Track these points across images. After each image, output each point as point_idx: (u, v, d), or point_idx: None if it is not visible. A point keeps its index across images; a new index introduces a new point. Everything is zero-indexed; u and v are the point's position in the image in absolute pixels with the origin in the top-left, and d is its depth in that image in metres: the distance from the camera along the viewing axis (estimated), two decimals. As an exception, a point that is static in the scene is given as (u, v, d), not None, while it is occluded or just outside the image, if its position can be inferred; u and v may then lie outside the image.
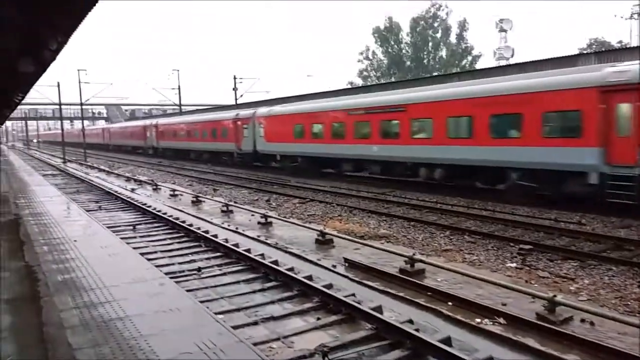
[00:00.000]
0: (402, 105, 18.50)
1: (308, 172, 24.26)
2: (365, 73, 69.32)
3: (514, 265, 8.87)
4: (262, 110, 28.80)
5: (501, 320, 6.04)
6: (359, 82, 67.39)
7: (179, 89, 51.03)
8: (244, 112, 30.71)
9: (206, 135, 35.61)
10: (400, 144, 18.62)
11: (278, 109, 27.46)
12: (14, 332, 4.67)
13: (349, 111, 21.32)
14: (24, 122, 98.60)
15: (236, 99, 45.04)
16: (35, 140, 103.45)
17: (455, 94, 16.84)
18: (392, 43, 66.57)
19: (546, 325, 5.74)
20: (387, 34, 66.40)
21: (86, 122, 79.73)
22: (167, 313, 5.06)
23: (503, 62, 56.18)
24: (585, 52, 37.06)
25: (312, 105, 25.09)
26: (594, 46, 50.29)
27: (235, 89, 44.84)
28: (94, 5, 9.12)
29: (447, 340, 5.29)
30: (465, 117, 16.22)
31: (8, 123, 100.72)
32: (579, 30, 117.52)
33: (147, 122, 50.24)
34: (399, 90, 20.90)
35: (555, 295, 6.04)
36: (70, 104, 71.97)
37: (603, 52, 21.97)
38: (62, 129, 49.81)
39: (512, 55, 64.56)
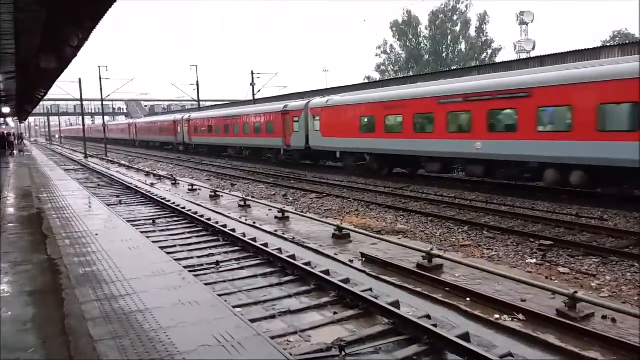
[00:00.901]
0: (525, 90, 14.59)
1: (373, 172, 21.15)
2: (382, 67, 69.04)
3: (534, 261, 8.75)
4: (318, 101, 25.09)
5: (520, 316, 5.97)
6: (377, 76, 67.10)
7: (197, 84, 51.31)
8: (295, 104, 27.51)
9: (248, 130, 32.03)
10: (521, 138, 14.70)
11: (339, 98, 23.74)
12: (37, 323, 4.77)
13: (439, 99, 17.41)
14: (46, 117, 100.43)
15: (254, 94, 45.14)
16: (57, 136, 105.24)
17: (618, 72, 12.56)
18: (411, 37, 66.06)
19: (567, 322, 5.66)
20: (405, 28, 65.90)
21: (109, 117, 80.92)
22: (186, 306, 5.11)
23: (524, 56, 55.32)
24: (608, 44, 36.27)
25: (386, 94, 20.99)
26: (617, 39, 49.22)
27: (253, 84, 44.94)
28: (114, 2, 9.24)
29: (466, 336, 5.25)
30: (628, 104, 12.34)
31: (31, 119, 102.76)
32: (602, 23, 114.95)
33: (178, 116, 47.15)
34: (516, 72, 17.17)
35: (576, 292, 5.94)
36: (91, 100, 73.10)
37: (627, 45, 21.50)
38: (84, 125, 50.51)
39: (533, 49, 63.59)
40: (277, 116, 28.38)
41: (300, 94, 37.96)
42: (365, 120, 21.39)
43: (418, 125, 18.60)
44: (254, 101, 42.47)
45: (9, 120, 51.82)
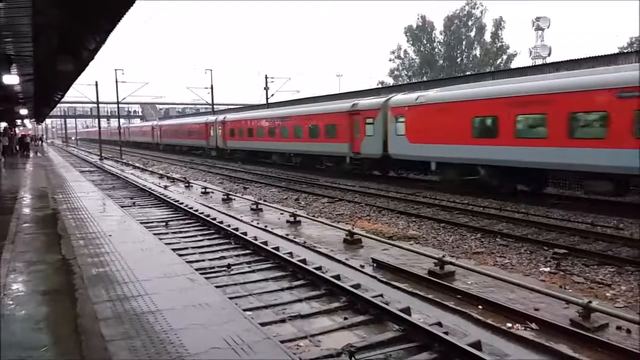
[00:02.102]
0: None
1: (489, 190, 16.45)
2: (396, 72, 68.99)
3: (547, 269, 8.65)
4: (403, 98, 20.36)
5: (533, 325, 5.90)
6: (390, 81, 67.03)
7: (211, 88, 51.67)
8: (368, 102, 22.61)
9: (300, 134, 27.27)
10: None
11: (436, 94, 18.78)
12: (49, 322, 4.82)
13: (620, 92, 12.41)
14: (62, 119, 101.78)
15: (267, 99, 45.33)
16: (73, 138, 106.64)
17: None
18: (425, 42, 65.96)
19: (580, 332, 5.57)
20: (419, 33, 65.82)
21: (124, 120, 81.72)
22: (197, 308, 5.12)
23: (539, 61, 54.87)
24: (625, 50, 35.85)
25: (517, 86, 15.71)
26: (634, 45, 48.61)
27: (266, 88, 45.16)
28: (131, 5, 9.37)
29: (477, 344, 5.19)
30: None
31: (48, 121, 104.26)
32: (618, 29, 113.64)
33: (211, 117, 42.26)
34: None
35: (590, 301, 5.86)
36: (107, 102, 73.88)
37: (644, 51, 21.18)
38: (100, 127, 51.14)
39: (549, 54, 62.97)
40: (343, 117, 23.45)
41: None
42: (482, 121, 16.57)
43: (578, 129, 13.72)
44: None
45: (27, 121, 52.63)
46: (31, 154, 41.13)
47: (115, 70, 42.57)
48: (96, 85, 43.01)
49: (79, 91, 46.92)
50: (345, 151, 23.39)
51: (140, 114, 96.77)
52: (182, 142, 49.58)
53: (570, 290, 7.47)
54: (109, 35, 11.72)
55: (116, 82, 42.47)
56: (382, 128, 20.89)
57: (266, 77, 45.13)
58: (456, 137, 17.10)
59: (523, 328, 5.86)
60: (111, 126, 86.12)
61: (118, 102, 45.73)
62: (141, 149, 62.00)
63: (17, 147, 40.61)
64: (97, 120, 56.90)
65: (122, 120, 71.61)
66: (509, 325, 5.92)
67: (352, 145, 22.88)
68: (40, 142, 67.69)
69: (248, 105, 61.03)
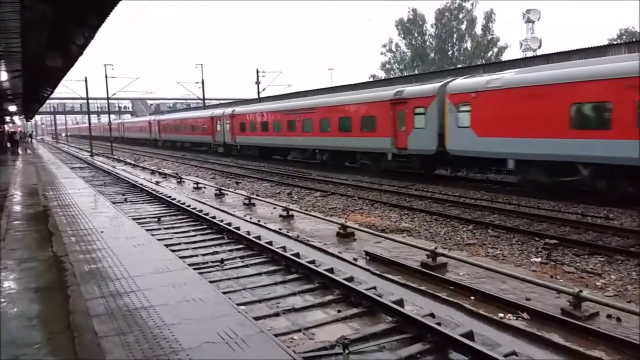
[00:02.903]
0: None
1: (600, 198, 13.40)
2: (388, 66, 68.99)
3: (538, 260, 8.73)
4: (468, 82, 17.10)
5: (525, 315, 5.95)
6: (382, 74, 67.04)
7: (202, 83, 51.45)
8: (418, 89, 19.28)
9: (328, 127, 24.16)
10: None
11: (516, 77, 15.32)
12: (42, 320, 4.80)
13: None
14: (52, 116, 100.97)
15: (259, 93, 45.18)
16: (63, 134, 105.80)
17: None
18: (416, 35, 65.97)
19: (571, 320, 5.63)
20: (410, 26, 65.81)
21: (114, 116, 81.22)
22: (190, 303, 5.13)
23: (530, 54, 55.07)
24: (615, 42, 36.06)
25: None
26: (624, 37, 48.91)
27: (257, 82, 44.99)
28: (119, 0, 9.27)
29: (470, 335, 5.24)
30: None
31: (37, 117, 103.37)
32: (608, 21, 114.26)
33: (218, 111, 39.07)
34: None
35: (581, 291, 5.92)
36: (97, 98, 73.34)
37: (633, 43, 21.36)
38: (90, 123, 50.76)
39: (539, 47, 63.22)
40: (383, 107, 20.25)
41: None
42: (589, 108, 13.55)
43: None
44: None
45: (16, 118, 52.16)
46: (20, 151, 40.79)
47: (105, 65, 42.20)
48: (85, 81, 42.65)
49: (69, 87, 46.79)
50: (386, 147, 20.19)
51: (130, 109, 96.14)
52: (184, 138, 46.15)
53: (561, 280, 7.55)
54: (98, 31, 11.61)
55: (106, 77, 42.15)
56: (437, 119, 17.70)
57: (257, 72, 44.97)
58: (547, 128, 14.05)
59: (515, 318, 5.91)
60: (103, 122, 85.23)
61: (108, 98, 45.36)
62: (137, 146, 59.80)
63: (9, 144, 40.25)
64: (87, 116, 56.25)
65: (112, 116, 71.00)
66: (501, 315, 5.97)
67: (395, 140, 19.72)
68: (29, 139, 67.11)
69: (240, 99, 60.70)
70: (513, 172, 16.47)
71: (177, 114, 57.81)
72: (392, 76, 59.53)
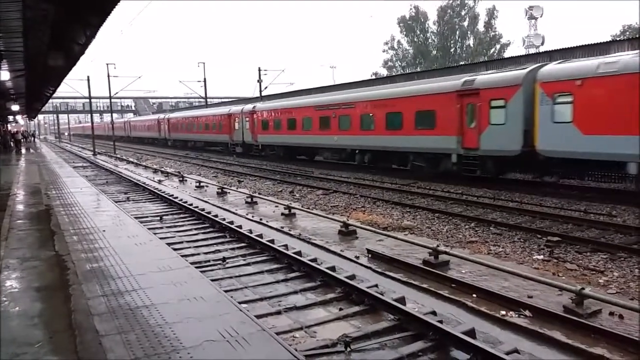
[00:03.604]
0: None
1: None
2: (390, 63, 68.83)
3: (541, 257, 8.71)
4: (569, 67, 14.15)
5: (527, 312, 5.94)
6: (384, 72, 66.91)
7: (204, 81, 51.45)
8: (495, 76, 16.19)
9: (371, 125, 21.04)
10: None
11: (635, 60, 12.44)
12: (44, 318, 4.82)
13: None
14: (55, 115, 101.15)
15: (261, 91, 45.17)
16: (66, 134, 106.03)
17: None
18: (418, 32, 65.82)
19: (573, 318, 5.62)
20: (412, 24, 65.64)
21: (117, 115, 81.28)
22: (192, 301, 5.13)
23: (532, 50, 54.88)
24: (618, 39, 35.92)
25: None
26: (627, 33, 48.68)
27: (259, 80, 44.98)
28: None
29: (471, 332, 5.23)
30: None
31: (40, 116, 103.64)
32: (611, 17, 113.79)
33: (236, 108, 35.81)
34: None
35: (583, 288, 5.90)
36: (99, 97, 73.34)
37: (637, 39, 21.25)
38: (92, 122, 50.83)
39: (542, 43, 62.99)
40: (447, 100, 17.25)
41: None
42: None
43: None
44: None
45: (18, 117, 52.31)
46: (23, 150, 40.90)
47: (107, 64, 42.24)
48: (88, 80, 42.69)
49: (71, 86, 46.87)
50: (449, 146, 17.24)
51: (133, 108, 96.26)
52: (197, 137, 42.88)
53: (563, 277, 7.52)
54: (99, 30, 11.62)
55: (108, 76, 42.18)
56: (523, 113, 14.81)
57: (259, 70, 44.96)
58: None
59: (517, 315, 5.90)
60: (106, 121, 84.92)
61: (110, 97, 45.42)
62: (144, 145, 57.79)
63: (12, 144, 40.37)
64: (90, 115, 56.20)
65: (115, 115, 70.81)
66: (503, 312, 5.95)
67: (463, 139, 16.76)
68: (32, 139, 67.27)
69: (243, 98, 60.69)
70: (631, 177, 13.66)
71: (189, 111, 53.78)
72: (394, 73, 59.41)
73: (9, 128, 48.12)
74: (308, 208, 13.74)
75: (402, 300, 6.22)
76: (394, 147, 20.11)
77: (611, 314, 5.86)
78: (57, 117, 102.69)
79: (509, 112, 15.25)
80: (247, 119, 32.86)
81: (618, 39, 35.25)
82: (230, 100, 64.83)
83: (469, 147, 16.66)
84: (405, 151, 19.65)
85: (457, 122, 16.89)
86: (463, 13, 63.63)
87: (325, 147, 25.08)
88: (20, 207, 11.67)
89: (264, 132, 30.90)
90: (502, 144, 15.46)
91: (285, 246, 9.02)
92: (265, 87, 45.73)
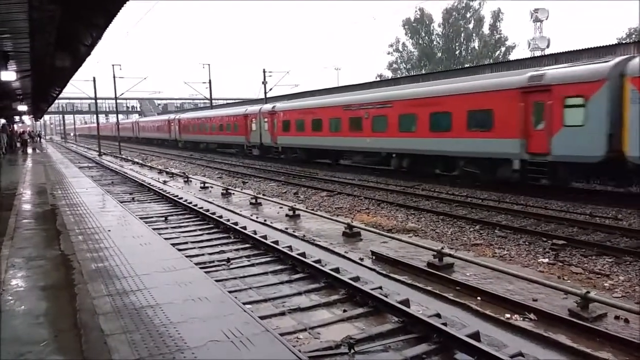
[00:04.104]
0: None
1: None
2: (395, 65, 68.82)
3: (546, 260, 8.67)
4: None
5: (532, 316, 5.92)
6: (389, 74, 66.89)
7: (209, 82, 51.57)
8: (569, 71, 14.14)
9: (412, 126, 18.95)
10: None
11: None
12: (49, 317, 4.83)
13: None
14: (61, 115, 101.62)
15: (265, 93, 45.23)
16: (72, 134, 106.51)
17: None
18: (423, 34, 65.80)
19: (579, 322, 5.59)
20: (417, 26, 65.63)
21: (122, 116, 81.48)
22: (196, 302, 5.14)
23: (538, 53, 54.73)
24: (624, 42, 35.78)
25: None
26: (633, 36, 48.48)
27: (264, 82, 45.03)
28: (126, 1, 9.32)
29: (476, 335, 5.21)
30: None
31: (46, 117, 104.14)
32: (617, 20, 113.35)
33: (252, 108, 34.07)
34: None
35: (588, 292, 5.87)
36: (105, 98, 73.63)
37: (643, 42, 21.17)
38: (98, 123, 51.04)
39: (547, 46, 62.80)
40: (507, 98, 15.26)
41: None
42: None
43: None
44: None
45: (25, 118, 52.57)
46: (30, 150, 41.10)
47: (113, 65, 42.41)
48: (94, 81, 42.90)
49: (77, 87, 47.11)
50: (510, 151, 15.24)
51: (138, 109, 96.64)
52: (211, 139, 41.06)
53: (568, 281, 7.49)
54: (105, 31, 11.67)
55: (114, 77, 42.37)
56: (608, 112, 12.93)
57: (264, 71, 45.01)
58: None
59: (522, 319, 5.88)
60: (113, 121, 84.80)
61: (116, 98, 45.60)
62: (153, 147, 56.07)
63: (18, 144, 40.57)
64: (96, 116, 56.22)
65: (121, 116, 70.80)
66: (508, 316, 5.94)
67: (528, 142, 14.76)
68: (38, 139, 67.60)
69: (247, 99, 60.74)
70: None
71: (201, 111, 51.57)
72: (398, 75, 59.34)
73: (16, 128, 48.32)
74: (312, 209, 13.75)
75: (406, 302, 6.21)
76: (440, 151, 17.89)
77: (617, 317, 5.83)
78: (63, 117, 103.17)
79: (590, 111, 13.26)
80: (266, 119, 30.79)
81: (624, 41, 35.12)
82: (235, 101, 64.89)
83: (536, 152, 14.58)
84: (454, 156, 17.47)
85: (520, 123, 14.90)
86: (468, 15, 63.59)
87: (355, 150, 22.91)
88: (26, 206, 11.72)
89: (284, 134, 28.79)
90: (580, 149, 13.41)
91: (290, 247, 9.02)
92: (270, 89, 45.79)
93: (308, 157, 27.59)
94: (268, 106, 31.50)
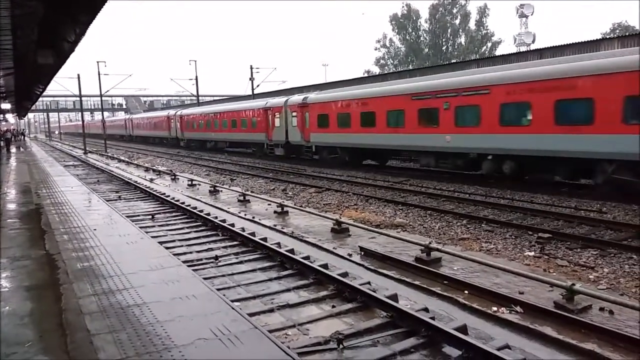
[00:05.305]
0: None
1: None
2: (382, 61, 68.99)
3: (532, 253, 8.76)
4: None
5: (518, 308, 5.97)
6: (376, 70, 67.01)
7: (196, 79, 51.22)
8: None
9: (520, 117, 14.83)
10: None
11: None
12: (34, 318, 4.78)
13: None
14: (45, 113, 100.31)
15: (252, 89, 45.03)
16: (56, 132, 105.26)
17: None
18: (410, 30, 66.00)
19: (564, 313, 5.66)
20: (404, 21, 65.80)
21: (108, 113, 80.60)
22: (184, 300, 5.11)
23: (523, 48, 55.14)
24: (608, 36, 36.19)
25: None
26: (617, 31, 49.06)
27: (252, 78, 44.86)
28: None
29: (463, 329, 5.25)
30: None
31: (30, 115, 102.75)
32: (601, 16, 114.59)
33: (275, 100, 29.44)
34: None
35: (573, 284, 5.94)
36: (90, 96, 72.74)
37: (627, 37, 21.45)
38: (83, 120, 50.43)
39: (533, 41, 63.43)
40: None
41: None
42: None
43: None
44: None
45: (9, 116, 51.80)
46: (13, 149, 40.52)
47: (98, 62, 41.89)
48: (78, 78, 42.37)
49: (61, 84, 46.47)
50: None
51: (124, 106, 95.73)
52: (221, 137, 37.08)
53: (554, 274, 7.58)
54: (89, 27, 11.52)
55: (99, 74, 41.84)
56: None
57: (251, 68, 44.83)
58: None
59: (508, 311, 5.93)
60: (100, 119, 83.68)
61: (101, 95, 45.08)
62: (149, 146, 52.41)
63: (1, 143, 39.99)
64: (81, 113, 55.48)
65: (106, 113, 69.93)
66: (495, 309, 5.98)
67: None
68: (22, 137, 66.66)
69: (234, 96, 60.39)
70: None
71: (207, 106, 46.98)
72: (386, 71, 59.46)
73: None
74: (301, 206, 13.74)
75: (394, 297, 6.23)
76: (577, 152, 13.36)
77: (601, 309, 5.91)
78: (48, 115, 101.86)
79: None
80: (295, 113, 26.20)
81: (608, 37, 35.50)
82: (222, 97, 64.54)
83: None
84: (601, 158, 13.07)
85: None
86: (455, 11, 63.94)
87: (428, 150, 18.36)
88: (10, 206, 11.57)
89: (320, 130, 24.15)
90: None
91: (278, 244, 9.00)
92: (258, 85, 45.64)
93: (353, 158, 23.19)
94: (297, 98, 26.85)
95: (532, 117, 14.49)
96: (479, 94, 16.00)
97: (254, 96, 43.46)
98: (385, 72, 59.65)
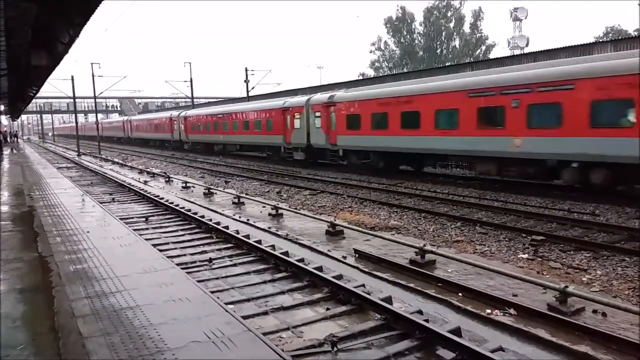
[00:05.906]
0: None
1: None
2: (377, 64, 69.16)
3: (525, 256, 8.79)
4: None
5: (512, 311, 5.99)
6: (371, 73, 67.17)
7: (191, 81, 51.13)
8: None
9: (617, 117, 12.50)
10: None
11: None
12: (26, 321, 4.75)
13: None
14: (39, 115, 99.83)
15: (248, 91, 45.00)
16: (50, 134, 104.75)
17: None
18: (405, 33, 66.23)
19: (557, 316, 5.68)
20: (399, 24, 66.02)
21: (102, 115, 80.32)
22: (177, 303, 5.09)
23: (517, 52, 55.43)
24: (601, 40, 36.44)
25: None
26: (610, 34, 49.44)
27: (247, 81, 44.82)
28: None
29: (457, 331, 5.26)
30: None
31: (23, 117, 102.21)
32: (595, 19, 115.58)
33: (295, 100, 27.02)
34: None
35: (567, 286, 5.96)
36: (84, 97, 72.29)
37: (619, 40, 21.61)
38: (77, 122, 50.21)
39: (526, 45, 63.63)
40: None
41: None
42: None
43: None
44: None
45: (2, 118, 51.50)
46: (6, 151, 40.28)
47: (92, 64, 41.77)
48: (72, 79, 42.19)
49: (55, 86, 46.09)
50: None
51: (118, 108, 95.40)
52: (231, 139, 34.45)
53: (547, 276, 7.60)
54: (83, 29, 11.48)
55: (93, 76, 41.73)
56: None
57: (246, 70, 44.81)
58: None
59: (502, 314, 5.95)
60: (102, 121, 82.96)
61: (95, 97, 44.93)
62: (150, 148, 50.05)
63: None
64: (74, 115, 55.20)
65: (100, 116, 69.61)
66: (488, 311, 6.00)
67: None
68: (15, 139, 66.28)
69: (230, 98, 60.27)
70: None
71: (214, 107, 44.25)
72: (381, 74, 59.56)
73: None
74: (295, 208, 13.72)
75: (388, 299, 6.23)
76: None
77: (594, 311, 5.94)
78: (41, 117, 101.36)
79: None
80: (318, 113, 23.76)
81: (601, 40, 35.75)
82: (217, 100, 64.38)
83: None
84: None
85: None
86: (449, 14, 64.17)
87: (489, 156, 15.94)
88: (2, 208, 11.50)
89: (350, 132, 21.60)
90: None
91: (273, 247, 8.99)
92: (252, 88, 45.59)
93: (388, 163, 20.84)
94: (322, 96, 24.17)
95: (636, 117, 12.09)
96: (560, 89, 13.61)
97: (248, 99, 43.40)
98: (380, 74, 59.79)
